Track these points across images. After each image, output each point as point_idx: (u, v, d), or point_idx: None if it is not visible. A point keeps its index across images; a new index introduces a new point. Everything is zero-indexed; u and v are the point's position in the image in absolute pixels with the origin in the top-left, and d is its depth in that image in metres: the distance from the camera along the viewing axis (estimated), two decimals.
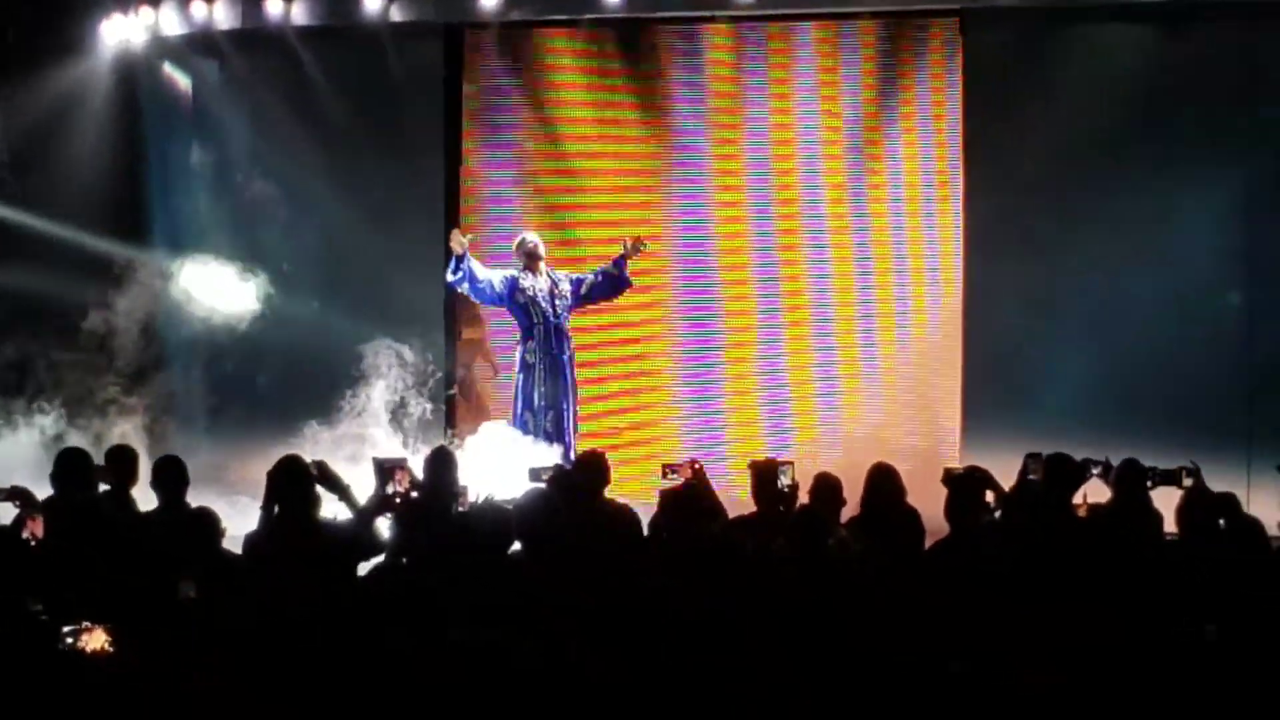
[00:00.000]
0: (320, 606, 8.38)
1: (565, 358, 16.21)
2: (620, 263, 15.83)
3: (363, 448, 16.12)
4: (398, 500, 10.63)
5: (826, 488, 10.82)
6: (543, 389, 16.27)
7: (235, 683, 6.72)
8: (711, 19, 18.27)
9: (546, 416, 16.15)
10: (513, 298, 15.81)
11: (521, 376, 16.13)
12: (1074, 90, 17.28)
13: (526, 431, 16.00)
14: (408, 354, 16.89)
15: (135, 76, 19.89)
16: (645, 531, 10.60)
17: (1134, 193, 16.64)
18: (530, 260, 15.77)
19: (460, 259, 15.63)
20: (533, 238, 16.07)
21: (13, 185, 19.31)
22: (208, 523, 9.99)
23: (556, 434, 16.08)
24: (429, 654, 7.28)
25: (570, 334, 16.30)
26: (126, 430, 17.92)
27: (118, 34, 19.28)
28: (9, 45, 19.59)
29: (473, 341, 17.66)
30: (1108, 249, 16.73)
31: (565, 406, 16.31)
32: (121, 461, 11.53)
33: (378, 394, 16.94)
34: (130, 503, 11.12)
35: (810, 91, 18.40)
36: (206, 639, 7.35)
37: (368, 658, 7.28)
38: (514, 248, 16.03)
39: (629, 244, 15.80)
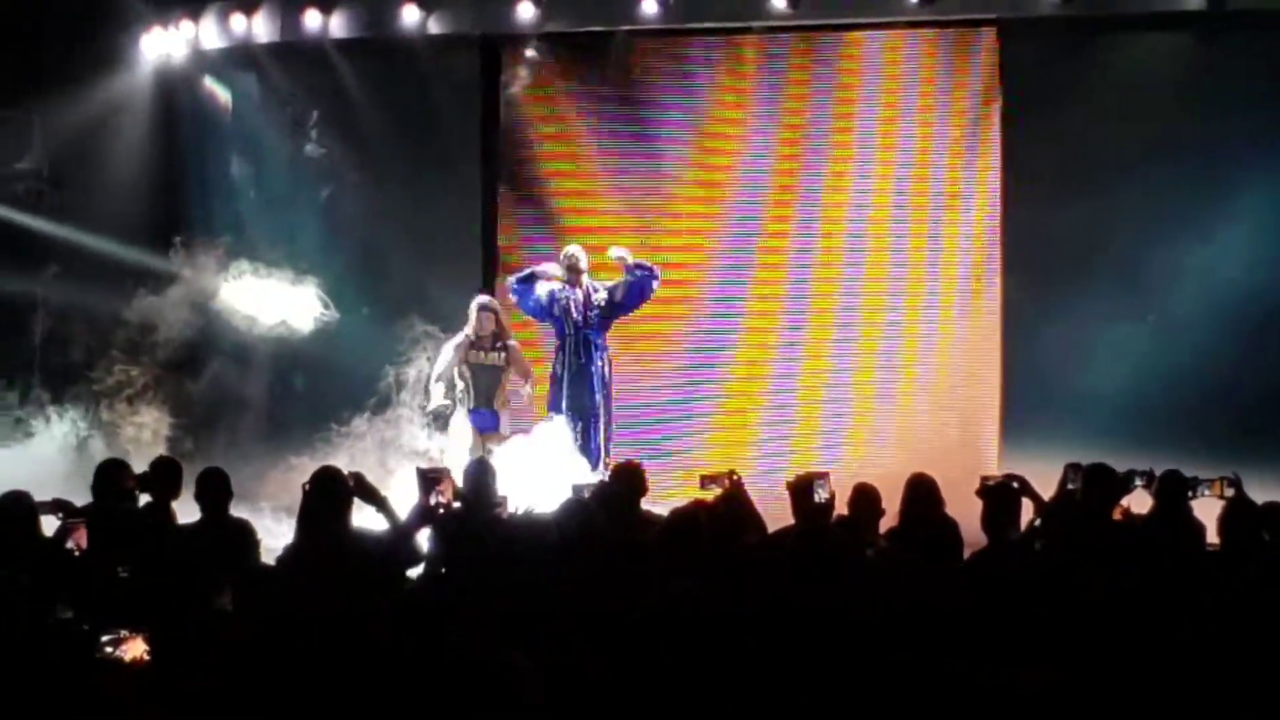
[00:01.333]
0: (356, 618, 7.94)
1: (594, 369, 16.30)
2: (634, 271, 16.01)
3: (393, 454, 16.38)
4: (440, 510, 10.46)
5: (864, 498, 10.77)
6: (570, 400, 16.29)
7: (269, 694, 6.54)
8: (746, 29, 18.25)
9: (575, 427, 16.11)
10: (551, 309, 15.92)
11: (553, 387, 16.24)
12: (1113, 99, 17.18)
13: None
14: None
15: (175, 89, 20.13)
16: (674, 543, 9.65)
17: (1175, 201, 16.48)
18: (571, 273, 15.77)
19: (533, 278, 15.90)
20: (573, 250, 16.07)
21: (52, 197, 19.57)
22: (246, 535, 10.27)
23: (584, 444, 16.08)
24: (467, 665, 7.25)
25: (605, 346, 16.35)
26: (153, 430, 18.29)
27: (158, 48, 19.50)
28: (51, 59, 19.76)
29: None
30: (1148, 257, 16.62)
31: (593, 418, 16.31)
32: (165, 473, 11.46)
33: (412, 400, 16.91)
34: (171, 515, 11.09)
35: (851, 104, 18.31)
36: (241, 650, 7.09)
37: (405, 669, 7.00)
38: (560, 260, 16.07)
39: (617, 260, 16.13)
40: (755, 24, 18.04)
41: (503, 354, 16.27)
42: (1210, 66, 16.86)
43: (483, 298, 16.58)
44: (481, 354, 16.35)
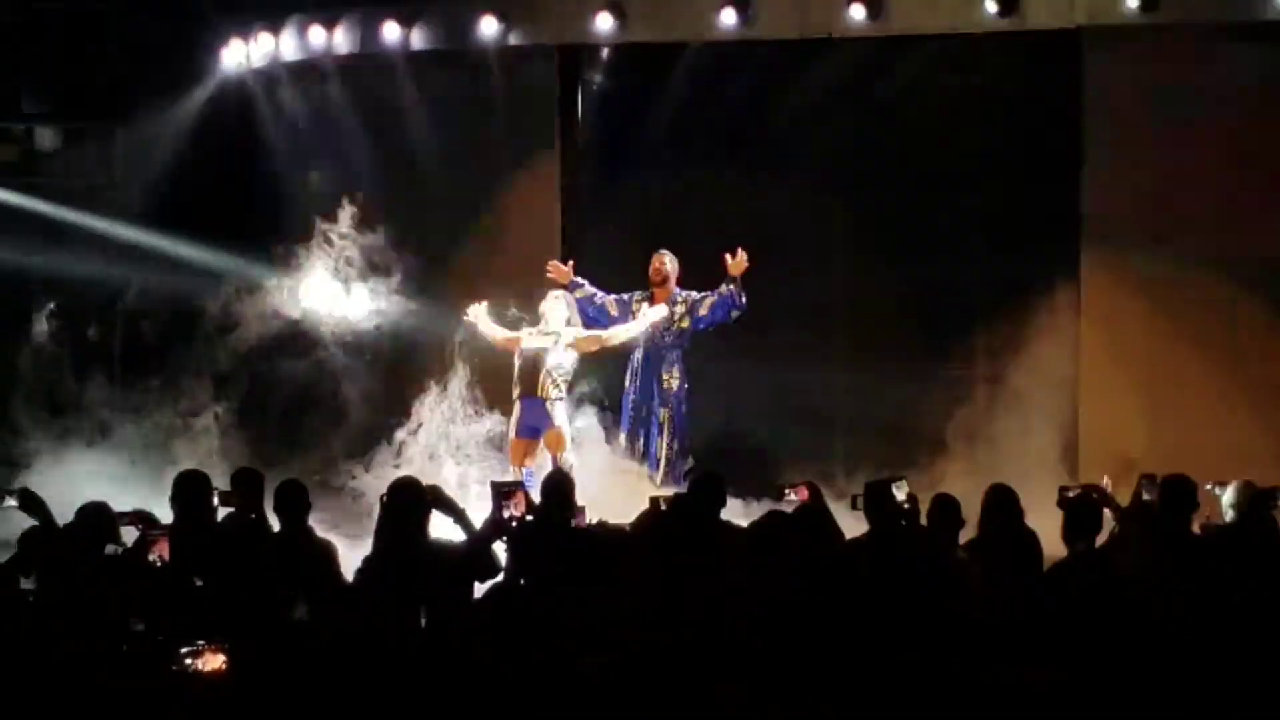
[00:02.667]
0: (434, 629, 8.46)
1: (659, 383, 16.23)
2: (731, 284, 15.70)
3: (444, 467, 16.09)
4: (513, 523, 10.35)
5: (944, 508, 10.56)
6: (634, 410, 16.46)
7: (346, 707, 6.60)
8: (828, 39, 17.73)
9: (640, 438, 16.27)
10: (625, 319, 15.91)
11: (622, 397, 16.47)
12: (1200, 109, 16.74)
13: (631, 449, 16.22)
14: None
15: (253, 101, 19.99)
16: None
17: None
18: (654, 285, 15.74)
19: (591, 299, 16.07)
20: (656, 262, 15.98)
21: (129, 202, 19.79)
22: (325, 549, 10.08)
23: (645, 452, 16.13)
24: (543, 677, 6.93)
25: (680, 360, 16.26)
26: (209, 437, 18.02)
27: (236, 59, 19.54)
28: (133, 73, 19.96)
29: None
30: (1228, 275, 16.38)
31: (656, 428, 16.24)
32: (247, 484, 11.39)
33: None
34: (256, 528, 11.04)
35: (922, 111, 17.99)
36: (319, 661, 7.14)
37: (480, 679, 6.96)
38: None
39: (731, 262, 15.71)
40: (833, 35, 17.57)
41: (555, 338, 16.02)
42: None
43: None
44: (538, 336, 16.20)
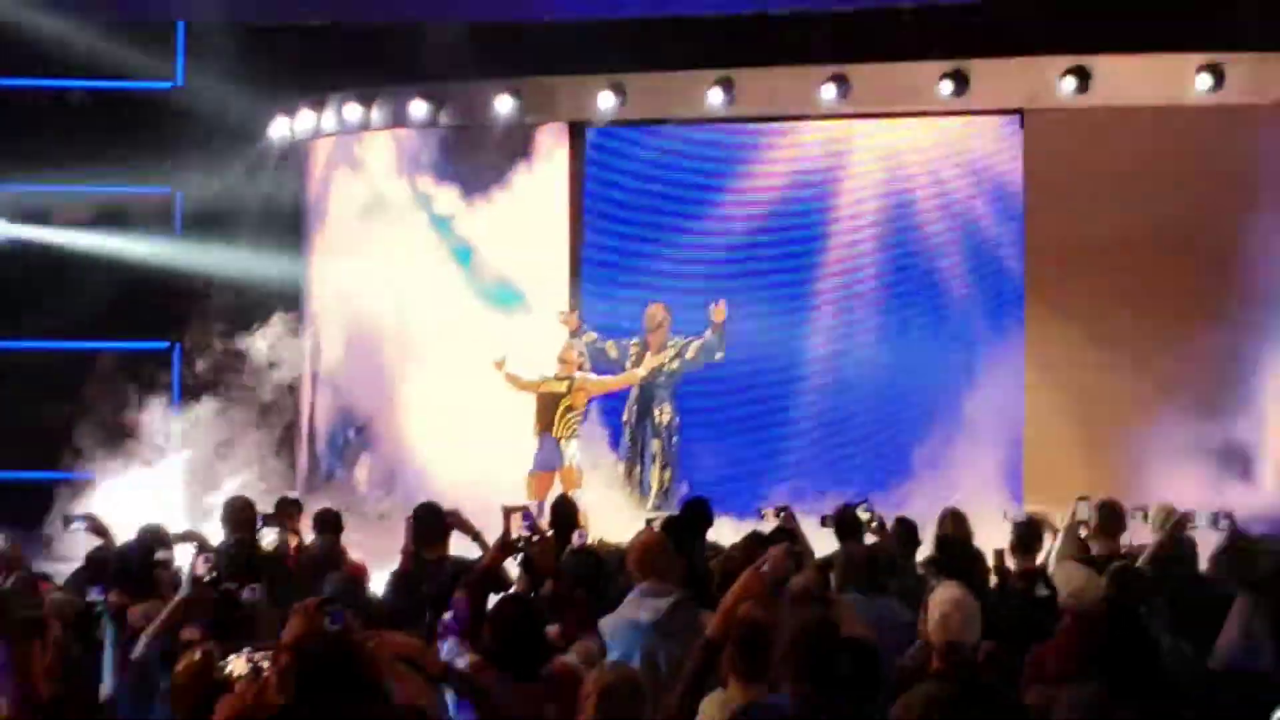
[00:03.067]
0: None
1: (652, 419, 17.09)
2: (713, 331, 16.69)
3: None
4: (520, 543, 10.12)
5: (905, 528, 11.77)
6: (630, 442, 17.34)
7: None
8: (803, 116, 18.77)
9: (636, 467, 17.21)
10: (623, 360, 16.93)
11: (620, 430, 17.36)
12: (1125, 180, 17.42)
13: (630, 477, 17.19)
14: None
15: (301, 166, 21.14)
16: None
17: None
18: (649, 331, 16.75)
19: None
20: (650, 310, 17.04)
21: (193, 247, 20.58)
22: (356, 571, 10.76)
23: (640, 479, 17.04)
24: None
25: (672, 398, 17.17)
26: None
27: (297, 127, 20.36)
28: (190, 142, 20.56)
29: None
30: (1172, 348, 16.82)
31: (649, 458, 17.10)
32: (288, 510, 12.45)
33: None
34: (291, 550, 11.85)
35: (873, 185, 18.74)
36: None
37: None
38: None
39: (713, 310, 16.65)
40: (810, 113, 18.41)
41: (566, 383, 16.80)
42: (1240, 147, 17.26)
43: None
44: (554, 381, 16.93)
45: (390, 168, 20.28)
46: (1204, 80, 16.49)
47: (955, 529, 11.62)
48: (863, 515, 11.76)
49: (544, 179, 19.32)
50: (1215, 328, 16.59)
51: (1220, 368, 16.80)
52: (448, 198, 19.75)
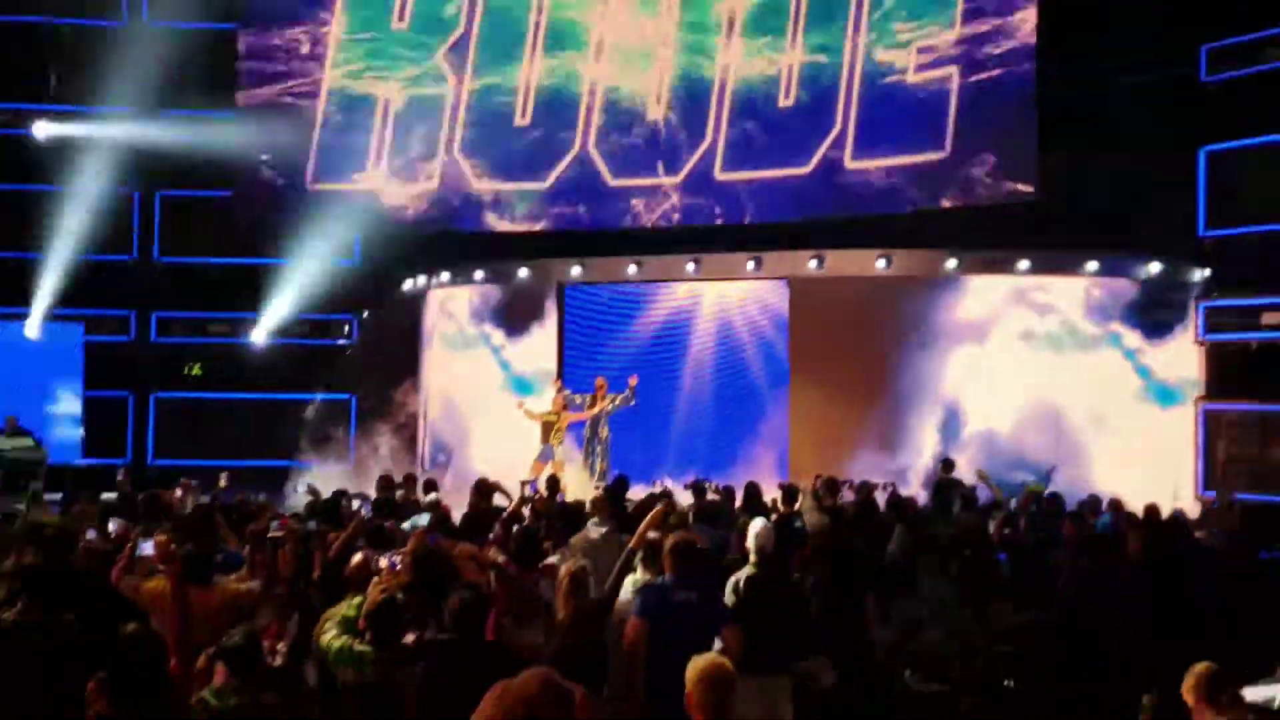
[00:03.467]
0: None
1: (597, 432, 17.56)
2: (629, 390, 17.36)
3: None
4: (529, 499, 12.15)
5: (728, 491, 12.95)
6: (585, 446, 17.82)
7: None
8: (679, 279, 19.28)
9: (589, 460, 17.68)
10: (582, 408, 17.65)
11: (583, 442, 17.83)
12: (848, 314, 17.80)
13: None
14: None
15: (422, 307, 21.23)
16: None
17: None
18: (597, 390, 17.61)
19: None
20: (598, 381, 17.75)
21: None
22: (445, 511, 10.90)
23: (591, 468, 17.53)
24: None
25: (608, 423, 17.45)
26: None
27: (418, 284, 20.85)
28: (364, 294, 21.64)
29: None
30: None
31: (594, 458, 17.55)
32: (410, 481, 13.97)
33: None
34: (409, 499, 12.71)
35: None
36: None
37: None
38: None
39: (630, 381, 17.39)
40: (679, 280, 19.08)
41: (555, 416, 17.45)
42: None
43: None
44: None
45: (466, 315, 20.74)
46: (881, 262, 17.37)
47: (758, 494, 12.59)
48: (707, 485, 13.53)
49: (547, 320, 19.62)
50: (890, 400, 17.42)
51: (893, 423, 17.32)
52: (498, 335, 20.23)
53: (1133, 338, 17.17)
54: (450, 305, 21.23)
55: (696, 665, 4.68)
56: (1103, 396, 17.14)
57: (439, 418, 20.85)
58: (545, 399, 18.16)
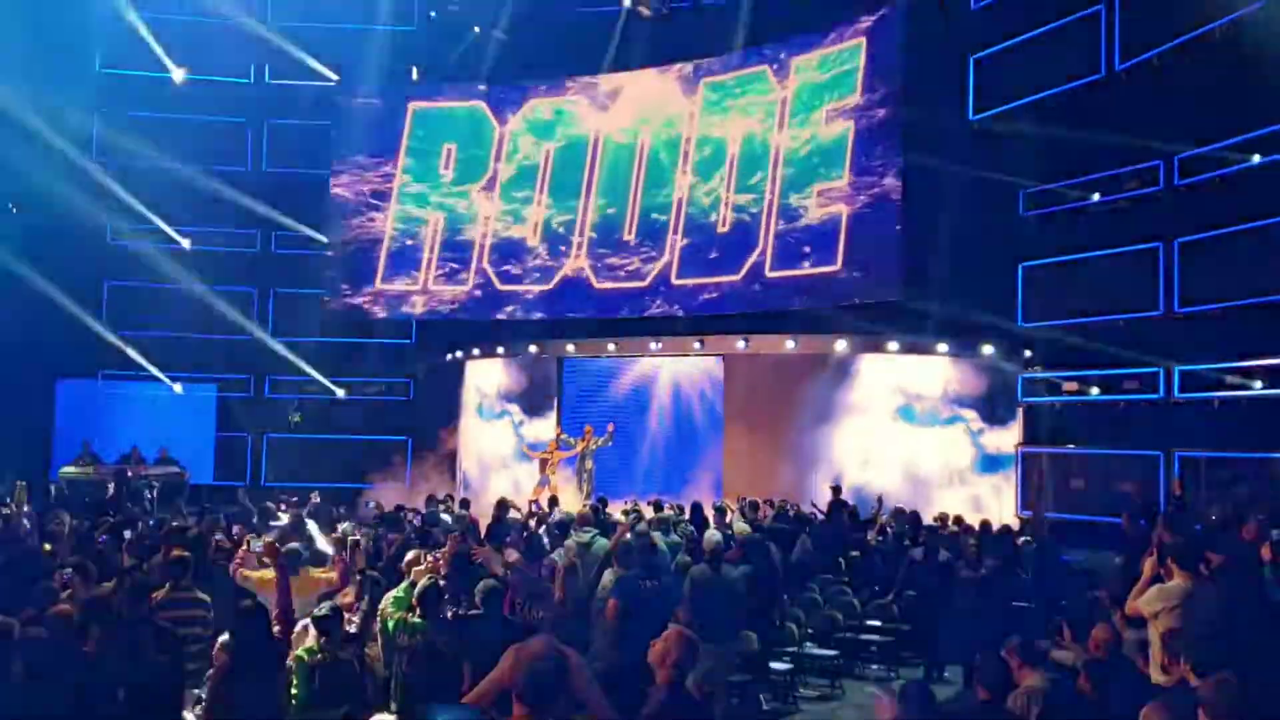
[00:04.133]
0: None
1: (583, 464, 17.45)
2: (608, 434, 17.26)
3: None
4: (533, 513, 12.39)
5: (682, 507, 12.74)
6: (577, 473, 17.56)
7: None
8: (642, 355, 19.04)
9: (580, 481, 17.36)
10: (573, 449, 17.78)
11: (578, 471, 17.67)
12: (767, 377, 17.61)
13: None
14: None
15: (460, 379, 20.81)
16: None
17: None
18: (587, 435, 17.53)
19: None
20: (586, 429, 17.72)
21: None
22: (473, 521, 11.17)
23: (581, 487, 17.23)
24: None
25: (594, 458, 17.48)
26: None
27: (451, 359, 20.28)
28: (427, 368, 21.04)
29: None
30: None
31: (582, 483, 17.35)
32: (449, 499, 13.74)
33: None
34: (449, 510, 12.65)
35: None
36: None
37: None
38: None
39: (609, 428, 17.28)
40: (645, 355, 18.78)
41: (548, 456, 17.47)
42: None
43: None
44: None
45: (494, 392, 20.84)
46: (790, 344, 16.92)
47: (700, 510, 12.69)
48: (664, 501, 13.86)
49: (549, 393, 19.90)
50: (795, 442, 16.93)
51: (802, 456, 16.76)
52: (516, 409, 20.40)
53: (975, 420, 16.71)
54: (481, 382, 21.03)
55: (669, 633, 4.66)
56: (948, 459, 16.72)
57: (469, 468, 20.51)
58: (544, 442, 18.07)
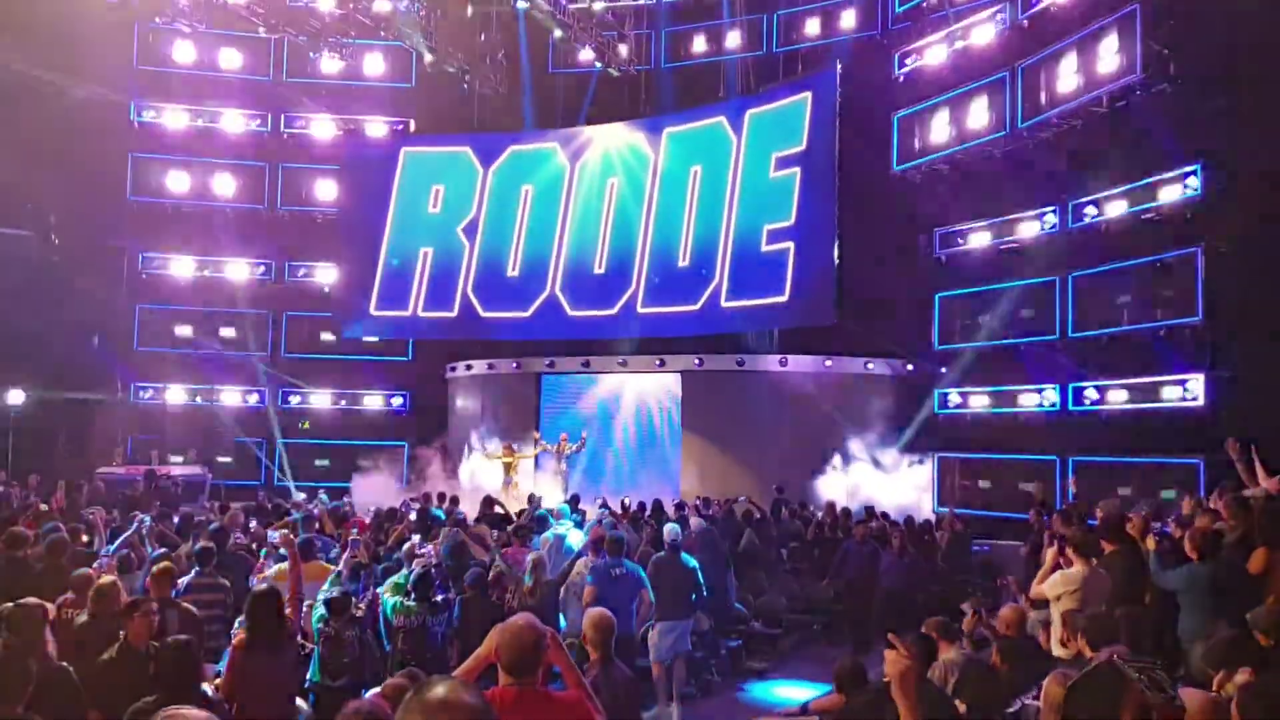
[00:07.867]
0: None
1: (561, 469, 16.73)
2: (580, 441, 16.30)
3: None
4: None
5: (647, 504, 12.81)
6: (555, 476, 16.73)
7: None
8: (611, 372, 18.34)
9: (565, 484, 16.42)
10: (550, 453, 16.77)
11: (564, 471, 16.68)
12: (726, 396, 16.95)
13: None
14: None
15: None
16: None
17: None
18: (563, 440, 16.47)
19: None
20: (561, 436, 16.54)
21: None
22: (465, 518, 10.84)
23: (567, 486, 16.32)
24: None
25: (568, 462, 16.60)
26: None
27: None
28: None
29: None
30: None
31: (568, 478, 16.63)
32: (456, 501, 12.89)
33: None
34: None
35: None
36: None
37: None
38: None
39: (583, 434, 16.31)
40: (613, 372, 18.17)
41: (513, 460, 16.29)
42: None
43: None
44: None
45: (478, 404, 19.63)
46: (740, 361, 16.78)
47: (661, 508, 12.52)
48: (628, 500, 13.61)
49: (531, 402, 18.99)
50: (744, 449, 16.63)
51: (746, 466, 16.42)
52: (495, 420, 19.06)
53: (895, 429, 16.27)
54: (468, 394, 20.30)
55: (586, 620, 4.81)
56: (878, 461, 16.09)
57: (462, 467, 19.22)
58: (528, 448, 17.08)
